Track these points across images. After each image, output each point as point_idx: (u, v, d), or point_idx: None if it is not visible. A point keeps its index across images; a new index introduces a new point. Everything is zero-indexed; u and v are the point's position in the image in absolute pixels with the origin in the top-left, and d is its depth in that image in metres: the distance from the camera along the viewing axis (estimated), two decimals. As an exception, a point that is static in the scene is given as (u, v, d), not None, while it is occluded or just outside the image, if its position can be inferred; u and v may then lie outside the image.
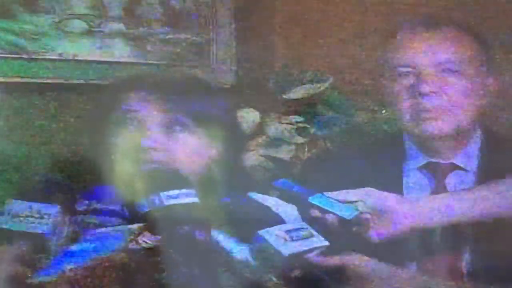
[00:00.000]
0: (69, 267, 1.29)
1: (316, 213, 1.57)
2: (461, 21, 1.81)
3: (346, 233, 1.56)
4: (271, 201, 1.59)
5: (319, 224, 1.51)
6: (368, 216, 1.59)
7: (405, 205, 1.63)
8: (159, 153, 1.59)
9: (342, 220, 1.55)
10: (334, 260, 1.56)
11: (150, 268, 1.31)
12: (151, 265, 1.30)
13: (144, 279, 1.29)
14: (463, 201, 1.64)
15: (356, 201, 1.60)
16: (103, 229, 1.43)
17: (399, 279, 1.64)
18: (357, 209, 1.57)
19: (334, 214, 1.54)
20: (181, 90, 1.68)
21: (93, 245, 1.37)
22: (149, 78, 1.75)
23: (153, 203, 1.40)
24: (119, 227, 1.43)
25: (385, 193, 1.62)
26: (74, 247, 1.38)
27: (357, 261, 1.60)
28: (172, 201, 1.39)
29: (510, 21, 1.86)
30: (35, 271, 1.35)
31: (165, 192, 1.39)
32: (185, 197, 1.40)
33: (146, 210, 1.40)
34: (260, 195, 1.61)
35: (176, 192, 1.40)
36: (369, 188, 1.62)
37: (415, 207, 1.63)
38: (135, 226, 1.35)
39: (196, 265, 1.38)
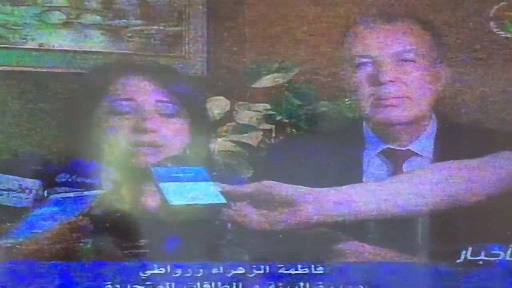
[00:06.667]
0: (35, 229, 1.38)
1: None
2: (415, 14, 1.93)
3: None
4: None
5: None
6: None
7: (310, 196, 1.64)
8: (155, 134, 1.72)
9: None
10: None
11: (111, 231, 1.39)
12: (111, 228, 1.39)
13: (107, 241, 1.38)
14: (375, 193, 1.65)
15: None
16: (69, 194, 1.52)
17: None
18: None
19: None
20: (167, 77, 1.80)
21: (58, 208, 1.46)
22: (137, 64, 1.87)
23: None
24: (84, 193, 1.52)
25: (286, 185, 1.66)
26: (41, 210, 1.47)
27: None
28: None
29: (460, 12, 1.98)
30: (3, 235, 1.44)
31: None
32: None
33: None
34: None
35: None
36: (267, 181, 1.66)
37: (321, 198, 1.64)
38: (98, 192, 1.44)
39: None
